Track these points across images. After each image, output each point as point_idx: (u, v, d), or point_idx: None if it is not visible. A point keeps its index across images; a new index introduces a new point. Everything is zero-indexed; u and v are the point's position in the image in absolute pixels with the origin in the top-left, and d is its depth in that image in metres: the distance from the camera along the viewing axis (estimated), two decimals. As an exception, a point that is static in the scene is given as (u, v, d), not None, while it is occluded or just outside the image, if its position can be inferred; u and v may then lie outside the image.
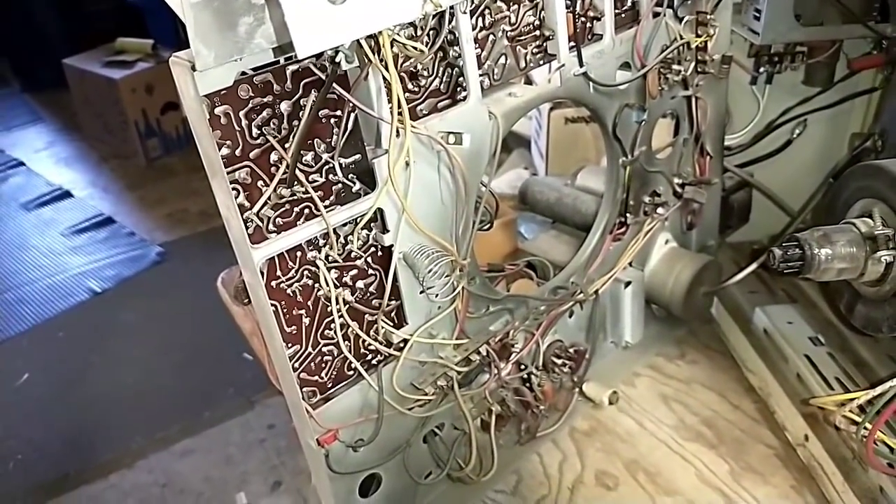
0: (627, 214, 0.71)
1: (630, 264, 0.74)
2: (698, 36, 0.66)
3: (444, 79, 0.53)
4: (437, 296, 0.55)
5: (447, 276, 0.54)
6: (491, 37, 0.55)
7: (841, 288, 0.51)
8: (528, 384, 0.66)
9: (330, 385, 0.54)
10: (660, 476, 0.68)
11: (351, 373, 0.55)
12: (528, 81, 0.60)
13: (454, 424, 0.63)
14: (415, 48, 0.46)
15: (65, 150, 2.85)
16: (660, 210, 0.73)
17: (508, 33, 0.56)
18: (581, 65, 0.60)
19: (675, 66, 0.67)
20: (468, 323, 0.60)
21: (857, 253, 0.48)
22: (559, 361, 0.68)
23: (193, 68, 0.38)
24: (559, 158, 1.12)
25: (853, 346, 0.73)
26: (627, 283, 0.73)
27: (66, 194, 2.52)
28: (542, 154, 1.13)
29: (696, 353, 0.82)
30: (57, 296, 2.05)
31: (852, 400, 0.54)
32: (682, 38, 0.65)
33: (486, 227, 0.60)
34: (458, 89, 0.54)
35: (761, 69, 0.77)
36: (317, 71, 0.45)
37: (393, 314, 0.55)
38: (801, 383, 0.71)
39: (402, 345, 0.56)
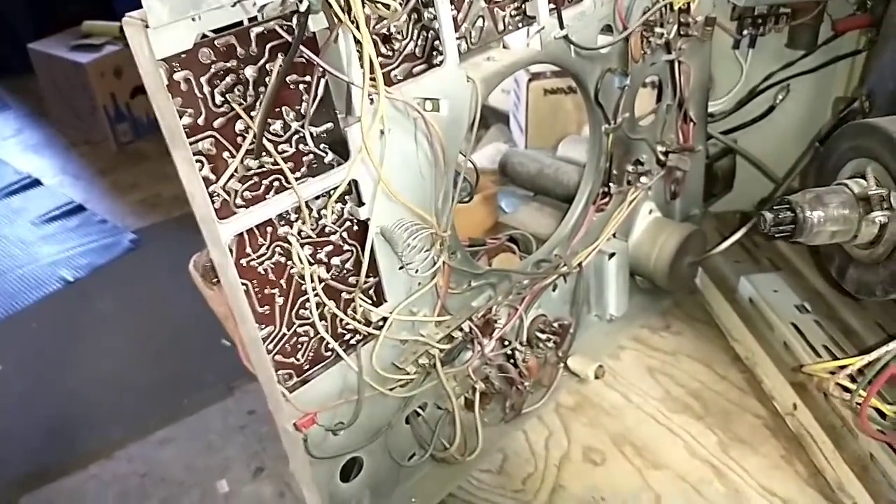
0: (610, 184, 0.69)
1: (614, 235, 0.72)
2: (681, -3, 0.64)
3: (420, 42, 0.51)
4: (416, 271, 0.53)
5: (427, 250, 0.52)
6: (468, -2, 0.53)
7: (832, 252, 0.49)
8: (512, 360, 0.64)
9: (307, 367, 0.52)
10: (647, 450, 0.67)
11: (328, 354, 0.53)
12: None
13: (437, 404, 0.62)
14: (386, 6, 0.43)
15: (33, 136, 2.78)
16: (643, 179, 0.71)
17: (486, -6, 0.54)
18: (562, 27, 0.58)
19: (657, 29, 0.65)
20: (450, 299, 0.58)
21: (850, 215, 0.46)
22: (543, 336, 0.66)
23: (147, 26, 0.35)
24: (539, 131, 1.10)
25: (840, 314, 0.73)
26: (611, 255, 0.71)
27: (36, 182, 2.45)
28: (522, 127, 1.11)
29: (682, 324, 0.80)
30: (28, 286, 2.00)
31: (844, 367, 0.52)
32: (664, -1, 0.63)
33: (466, 200, 0.58)
34: (434, 53, 0.52)
35: (744, 32, 0.75)
36: (283, 33, 0.42)
37: (371, 291, 0.53)
38: (788, 352, 0.70)
39: (381, 323, 0.54)
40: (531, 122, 1.09)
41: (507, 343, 0.64)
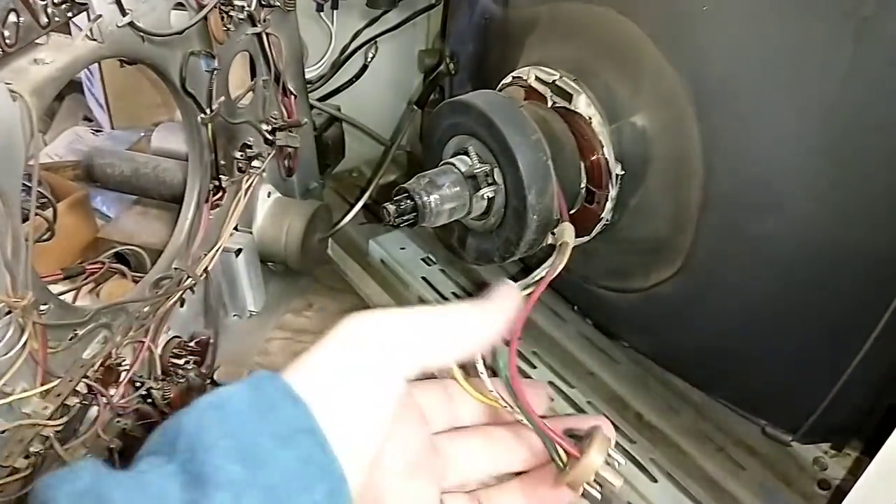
0: (221, 177, 0.62)
1: (236, 229, 0.66)
2: (255, -34, 0.59)
3: (-73, 54, 0.38)
4: (-3, 345, 0.42)
5: (3, 317, 0.41)
6: (-14, -12, 0.40)
7: (451, 225, 0.51)
8: (150, 400, 0.56)
9: None
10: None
11: None
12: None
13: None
14: None
15: None
16: (255, 163, 0.66)
17: (9, -19, 0.42)
18: (124, 13, 0.48)
19: (237, 2, 0.59)
20: (52, 360, 0.47)
21: (461, 192, 0.48)
22: (181, 361, 0.59)
23: None
24: (124, 108, 0.96)
25: (460, 259, 0.78)
26: (238, 251, 0.65)
27: None
28: (102, 105, 0.96)
29: (323, 299, 0.79)
30: None
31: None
32: (238, -31, 0.57)
33: (45, 237, 0.47)
34: (-45, 66, 0.39)
35: (326, -5, 0.73)
36: None
37: (-65, 389, 0.40)
38: (425, 305, 0.73)
39: (-37, 421, 0.42)
40: (112, 98, 0.95)
41: (139, 384, 0.55)
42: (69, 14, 0.46)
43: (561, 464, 0.32)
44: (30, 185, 0.45)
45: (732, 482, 0.56)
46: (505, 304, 0.31)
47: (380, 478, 0.32)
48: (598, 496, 0.33)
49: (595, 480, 0.32)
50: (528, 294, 0.34)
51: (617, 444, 0.58)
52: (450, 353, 0.31)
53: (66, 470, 0.24)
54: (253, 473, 0.24)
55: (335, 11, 0.76)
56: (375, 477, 0.32)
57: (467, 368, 0.35)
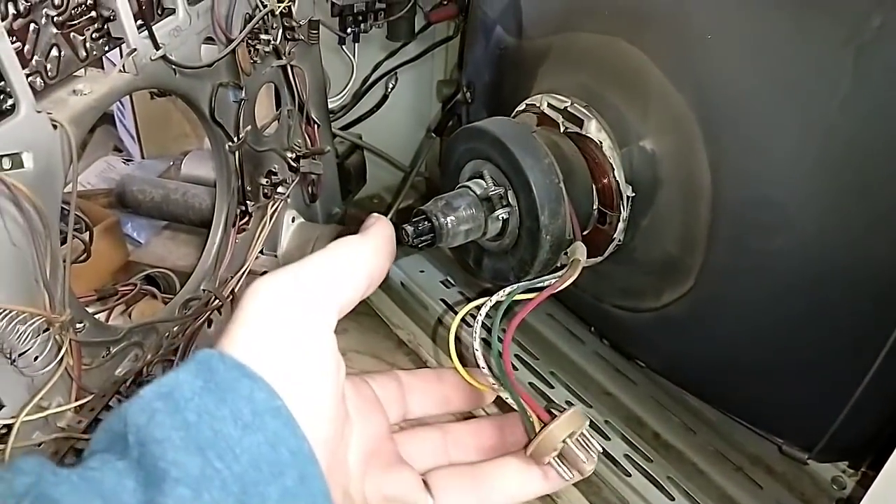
0: (248, 202, 0.65)
1: (262, 252, 0.69)
2: (280, 1, 0.62)
3: (-24, 87, 0.41)
4: (36, 359, 0.44)
5: (42, 334, 0.43)
6: (32, 25, 0.43)
7: (468, 246, 0.53)
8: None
9: None
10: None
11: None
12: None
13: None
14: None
15: None
16: (280, 189, 0.68)
17: (55, 19, 0.45)
18: (157, 47, 0.51)
19: (263, 36, 0.62)
20: (87, 376, 0.50)
21: (476, 214, 0.49)
22: (208, 379, 0.61)
23: None
24: (154, 138, 1.00)
25: (478, 280, 0.80)
26: (263, 274, 0.67)
27: None
28: (133, 136, 1.00)
29: (345, 321, 0.78)
30: None
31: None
32: (264, 5, 0.60)
33: (81, 258, 0.50)
34: (2, 97, 0.42)
35: (348, 30, 0.76)
36: None
37: (-22, 401, 0.43)
38: (444, 327, 0.75)
39: (4, 432, 0.44)
40: (143, 129, 0.99)
41: (167, 401, 0.57)
42: (106, 48, 0.49)
43: (533, 433, 0.35)
44: (67, 209, 0.48)
45: (750, 501, 0.57)
46: (382, 233, 0.35)
47: (343, 471, 0.32)
48: (565, 474, 0.34)
49: (564, 459, 0.34)
50: (530, 299, 0.37)
51: (629, 457, 0.59)
52: (354, 289, 0.33)
53: (2, 468, 0.22)
54: (214, 464, 0.22)
55: (356, 44, 0.79)
56: (340, 468, 0.32)
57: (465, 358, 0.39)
